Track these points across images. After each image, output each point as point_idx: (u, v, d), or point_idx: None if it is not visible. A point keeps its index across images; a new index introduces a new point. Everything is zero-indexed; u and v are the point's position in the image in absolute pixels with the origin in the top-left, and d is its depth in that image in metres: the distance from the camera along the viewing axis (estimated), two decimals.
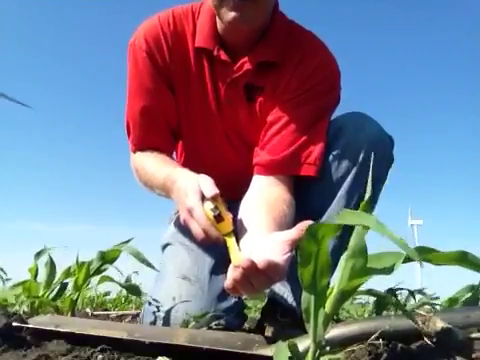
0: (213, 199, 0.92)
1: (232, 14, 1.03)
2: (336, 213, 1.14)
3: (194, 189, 0.94)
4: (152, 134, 1.18)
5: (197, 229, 0.93)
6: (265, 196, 1.06)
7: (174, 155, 1.34)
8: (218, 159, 1.25)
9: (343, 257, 0.46)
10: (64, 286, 1.31)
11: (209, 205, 0.92)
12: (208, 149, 1.25)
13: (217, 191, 0.92)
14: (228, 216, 0.93)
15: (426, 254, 0.41)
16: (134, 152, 1.21)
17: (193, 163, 1.30)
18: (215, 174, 1.25)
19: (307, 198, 1.14)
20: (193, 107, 1.19)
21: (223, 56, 1.13)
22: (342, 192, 1.10)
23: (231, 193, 1.27)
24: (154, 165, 1.14)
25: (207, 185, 0.94)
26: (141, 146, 1.19)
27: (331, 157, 1.12)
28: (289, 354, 0.48)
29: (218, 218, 0.91)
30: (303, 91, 1.13)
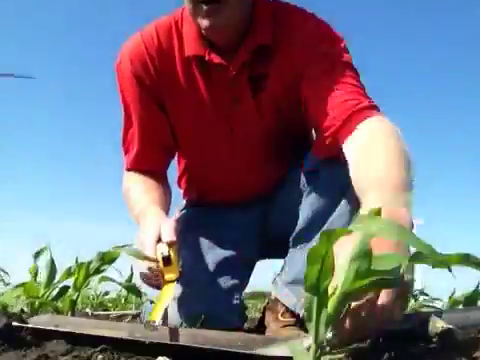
0: (169, 245, 0.94)
1: (205, 21, 1.01)
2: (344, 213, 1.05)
3: (154, 228, 0.96)
4: (145, 155, 1.19)
5: (142, 267, 0.95)
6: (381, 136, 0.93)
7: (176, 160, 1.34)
8: (221, 163, 1.23)
9: (347, 258, 0.46)
10: (65, 286, 1.31)
11: (162, 247, 0.93)
12: (213, 160, 1.24)
13: (174, 238, 0.94)
14: (176, 265, 0.93)
15: (428, 258, 0.41)
16: (127, 170, 1.22)
17: (197, 168, 1.29)
18: (219, 176, 1.25)
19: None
20: (188, 118, 1.17)
21: (216, 59, 1.09)
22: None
23: (240, 196, 1.26)
24: (136, 195, 1.15)
25: (167, 229, 0.95)
26: (134, 166, 1.20)
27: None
28: (305, 351, 0.48)
29: (166, 261, 0.92)
30: (313, 59, 1.07)
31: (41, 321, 0.82)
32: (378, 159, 0.84)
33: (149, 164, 1.19)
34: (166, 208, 1.14)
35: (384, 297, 0.57)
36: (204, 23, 1.01)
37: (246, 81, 1.11)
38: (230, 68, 1.10)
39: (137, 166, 1.20)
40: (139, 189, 1.16)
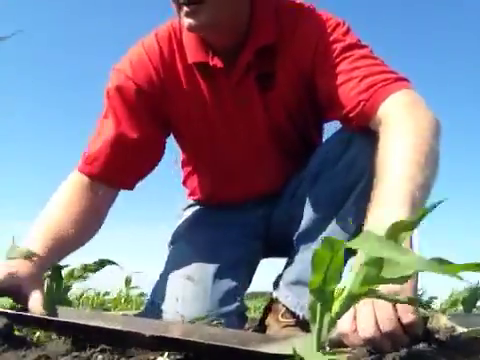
0: None
1: (187, 21, 0.99)
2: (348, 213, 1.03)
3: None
4: (113, 167, 1.10)
5: None
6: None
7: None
8: (231, 164, 1.23)
9: (356, 263, 0.46)
10: (67, 288, 1.32)
11: None
12: (223, 161, 1.23)
13: None
14: None
15: (442, 266, 0.41)
16: (80, 171, 1.10)
17: (206, 169, 1.29)
18: (228, 177, 1.24)
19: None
20: (196, 124, 1.16)
21: (220, 64, 1.07)
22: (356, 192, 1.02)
23: (249, 196, 1.25)
24: (50, 211, 1.04)
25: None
26: (94, 174, 1.09)
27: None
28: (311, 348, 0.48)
29: None
30: (320, 54, 1.05)
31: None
32: (397, 157, 0.82)
33: (110, 175, 1.10)
34: (73, 231, 1.02)
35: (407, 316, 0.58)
36: (186, 23, 1.00)
37: (253, 82, 1.10)
38: (235, 71, 1.08)
39: (99, 174, 1.09)
40: (62, 206, 1.05)
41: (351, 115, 0.99)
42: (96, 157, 1.09)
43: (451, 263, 0.42)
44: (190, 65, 1.10)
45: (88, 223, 1.07)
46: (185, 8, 0.98)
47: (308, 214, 1.08)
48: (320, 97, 1.08)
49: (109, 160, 1.09)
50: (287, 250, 1.15)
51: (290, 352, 0.47)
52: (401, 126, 0.87)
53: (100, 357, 0.66)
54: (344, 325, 0.59)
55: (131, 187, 1.17)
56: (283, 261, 1.19)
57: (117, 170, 1.10)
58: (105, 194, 1.11)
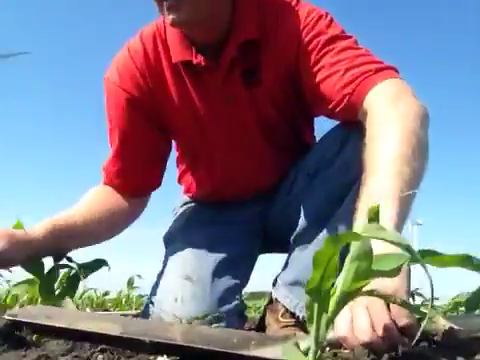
0: None
1: (170, 17, 0.99)
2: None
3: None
4: (123, 175, 1.20)
5: None
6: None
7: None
8: (224, 161, 1.23)
9: (347, 259, 0.45)
10: (77, 281, 1.33)
11: None
12: (216, 158, 1.23)
13: None
14: None
15: (430, 257, 0.41)
16: (105, 184, 1.21)
17: (199, 166, 1.29)
18: (222, 174, 1.25)
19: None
20: (187, 123, 1.17)
21: (204, 62, 1.07)
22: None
23: (244, 192, 1.26)
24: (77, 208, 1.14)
25: None
26: (109, 183, 1.21)
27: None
28: (298, 352, 0.48)
29: None
30: (303, 48, 1.04)
31: (31, 311, 0.81)
32: (384, 151, 0.81)
33: (126, 185, 1.20)
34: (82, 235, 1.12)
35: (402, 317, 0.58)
36: (169, 18, 1.00)
37: (239, 78, 1.10)
38: (220, 68, 1.08)
39: (112, 182, 1.21)
40: (87, 208, 1.15)
41: (337, 109, 0.99)
42: (113, 171, 1.20)
43: (440, 254, 0.42)
44: (176, 64, 1.10)
45: (110, 219, 1.16)
46: (166, 3, 0.98)
47: (305, 214, 1.09)
48: (305, 92, 1.08)
49: (127, 174, 1.19)
50: (285, 246, 1.15)
51: (286, 357, 0.47)
52: (387, 118, 0.87)
53: (100, 357, 0.66)
54: (341, 329, 0.60)
55: (158, 186, 1.26)
56: (281, 257, 1.19)
57: (137, 181, 1.20)
58: (135, 203, 1.22)
